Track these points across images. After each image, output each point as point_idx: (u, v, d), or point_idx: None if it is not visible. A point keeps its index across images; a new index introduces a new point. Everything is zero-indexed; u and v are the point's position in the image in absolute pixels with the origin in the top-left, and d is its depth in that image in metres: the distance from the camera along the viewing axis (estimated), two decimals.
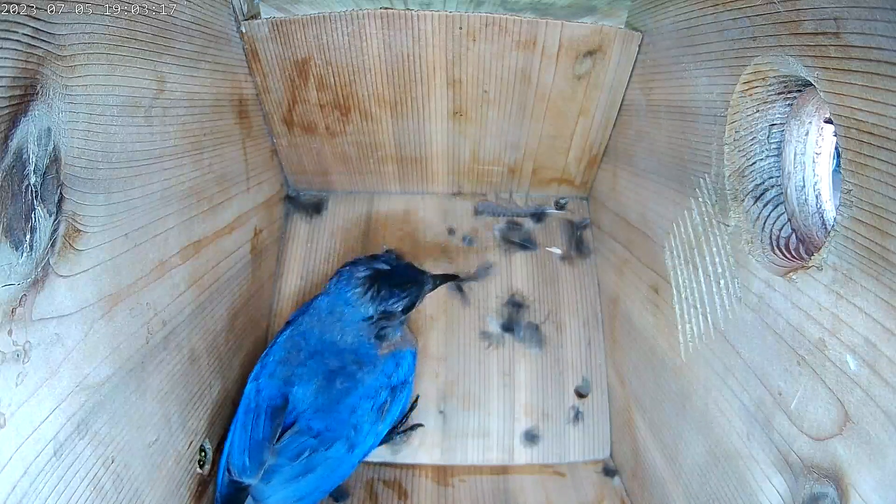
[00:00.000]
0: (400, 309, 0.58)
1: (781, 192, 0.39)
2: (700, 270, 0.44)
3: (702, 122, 0.43)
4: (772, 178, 0.39)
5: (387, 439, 0.63)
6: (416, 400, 0.67)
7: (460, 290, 0.71)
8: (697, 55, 0.44)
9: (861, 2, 0.27)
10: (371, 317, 0.57)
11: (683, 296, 0.47)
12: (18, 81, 0.28)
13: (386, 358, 0.57)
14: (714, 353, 0.42)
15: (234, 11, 0.54)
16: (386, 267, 0.59)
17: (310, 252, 0.75)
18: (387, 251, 0.61)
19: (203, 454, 0.51)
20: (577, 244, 0.75)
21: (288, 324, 0.59)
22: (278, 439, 0.51)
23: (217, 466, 0.52)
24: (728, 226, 0.40)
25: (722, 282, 0.41)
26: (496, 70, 0.61)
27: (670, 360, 0.50)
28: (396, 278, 0.58)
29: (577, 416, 0.68)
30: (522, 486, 0.63)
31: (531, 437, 0.67)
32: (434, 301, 0.72)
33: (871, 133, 0.27)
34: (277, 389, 0.53)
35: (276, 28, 0.57)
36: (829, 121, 0.36)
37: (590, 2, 0.54)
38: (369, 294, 0.57)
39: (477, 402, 0.68)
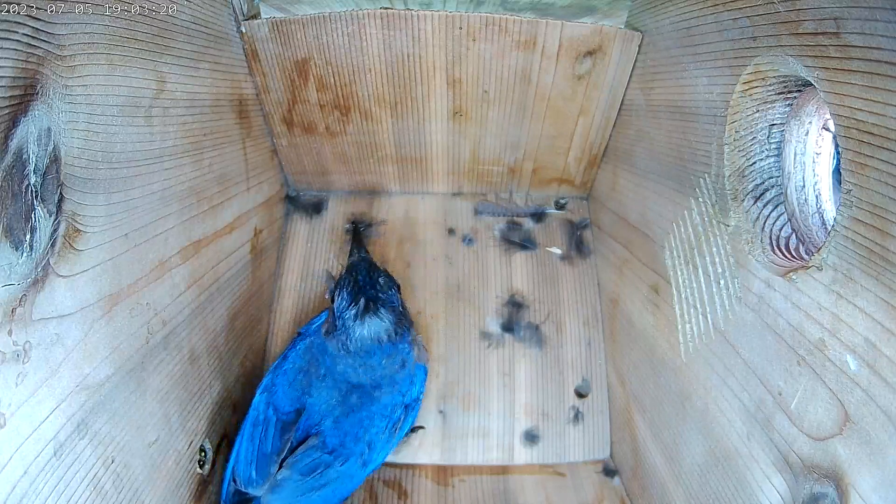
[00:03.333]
0: (396, 296, 0.56)
1: (781, 192, 0.39)
2: (700, 270, 0.44)
3: (702, 122, 0.43)
4: (772, 178, 0.39)
5: None
6: None
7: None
8: (697, 55, 0.44)
9: (861, 2, 0.27)
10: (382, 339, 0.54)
11: (683, 296, 0.47)
12: (18, 81, 0.28)
13: (403, 375, 0.56)
14: (714, 353, 0.42)
15: (234, 11, 0.54)
16: (359, 281, 0.55)
17: (310, 252, 0.75)
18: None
19: (203, 454, 0.51)
20: (577, 244, 0.75)
21: (299, 335, 0.59)
22: (292, 451, 0.50)
23: (214, 468, 0.52)
24: (728, 226, 0.40)
25: (722, 282, 0.41)
26: (496, 70, 0.61)
27: (670, 360, 0.50)
28: (370, 280, 0.55)
29: (577, 416, 0.68)
30: (522, 486, 0.63)
31: (531, 437, 0.67)
32: (434, 301, 0.72)
33: (871, 133, 0.27)
34: (290, 404, 0.53)
35: (276, 28, 0.57)
36: (826, 128, 0.36)
37: (590, 2, 0.54)
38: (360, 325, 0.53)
39: (477, 402, 0.68)
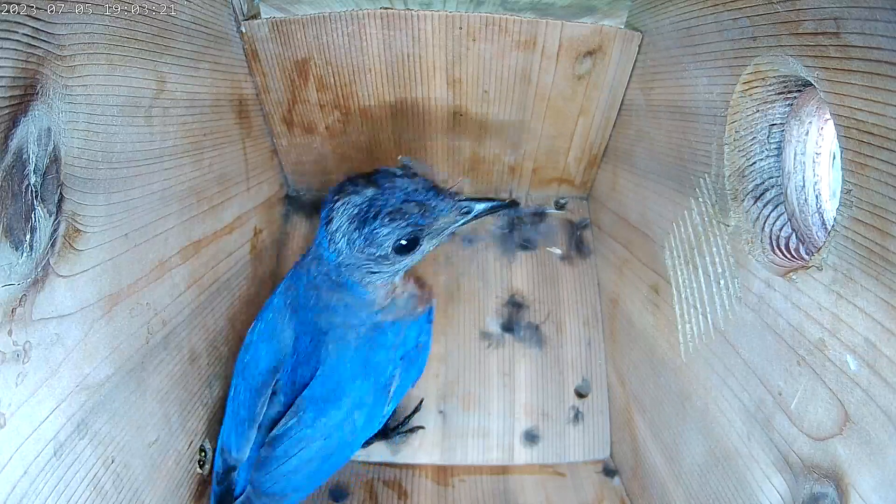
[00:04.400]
0: (389, 246, 0.43)
1: (781, 192, 0.39)
2: (700, 270, 0.44)
3: (702, 122, 0.43)
4: (772, 178, 0.39)
5: (387, 439, 0.63)
6: (419, 403, 0.67)
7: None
8: (697, 55, 0.44)
9: (861, 2, 0.27)
10: (349, 264, 0.44)
11: (683, 296, 0.47)
12: (18, 81, 0.28)
13: (388, 326, 0.49)
14: (714, 353, 0.42)
15: (234, 11, 0.54)
16: (375, 189, 0.42)
17: None
18: (403, 165, 0.44)
19: (203, 454, 0.51)
20: (577, 244, 0.75)
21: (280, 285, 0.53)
22: (276, 423, 0.49)
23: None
24: (728, 226, 0.40)
25: (722, 282, 0.41)
26: (496, 70, 0.61)
27: (670, 360, 0.50)
28: (392, 202, 0.42)
29: (577, 416, 0.68)
30: (522, 486, 0.63)
31: (531, 437, 0.67)
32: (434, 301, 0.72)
33: (871, 133, 0.27)
34: (265, 364, 0.50)
35: (276, 28, 0.57)
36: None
37: (590, 2, 0.54)
38: (343, 230, 0.42)
39: (477, 402, 0.68)
